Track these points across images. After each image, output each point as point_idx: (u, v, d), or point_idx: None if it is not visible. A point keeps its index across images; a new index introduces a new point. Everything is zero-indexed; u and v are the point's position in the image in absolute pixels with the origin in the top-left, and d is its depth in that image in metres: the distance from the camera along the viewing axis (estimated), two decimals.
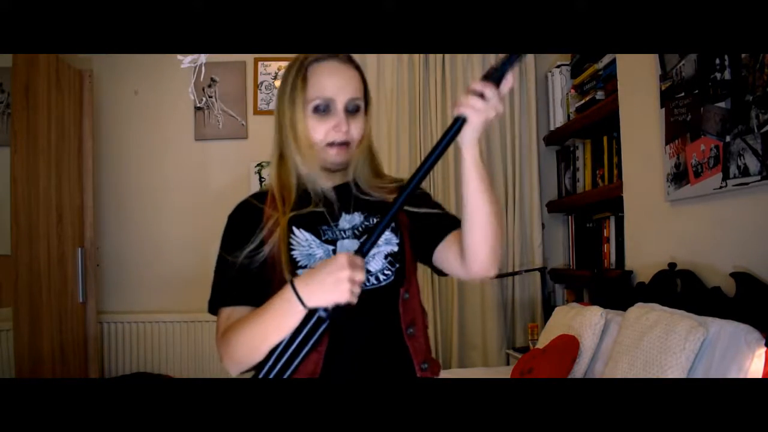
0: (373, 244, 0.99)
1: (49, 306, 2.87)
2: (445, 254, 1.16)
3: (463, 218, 1.06)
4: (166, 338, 3.40)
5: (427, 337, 1.20)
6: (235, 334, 1.06)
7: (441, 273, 1.22)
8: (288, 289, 0.98)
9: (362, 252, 0.98)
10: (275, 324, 1.00)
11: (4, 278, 2.72)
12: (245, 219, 1.17)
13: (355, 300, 0.96)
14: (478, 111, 0.96)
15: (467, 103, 0.96)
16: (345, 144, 1.13)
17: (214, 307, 1.15)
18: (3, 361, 2.86)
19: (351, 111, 1.13)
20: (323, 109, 1.12)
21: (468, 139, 0.99)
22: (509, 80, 0.97)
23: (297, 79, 1.13)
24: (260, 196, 1.20)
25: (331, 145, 1.13)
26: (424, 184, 1.23)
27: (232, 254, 1.13)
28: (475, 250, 1.07)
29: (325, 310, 0.96)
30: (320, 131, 1.12)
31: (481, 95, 0.95)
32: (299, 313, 0.97)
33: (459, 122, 0.97)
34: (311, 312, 0.96)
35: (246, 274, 1.12)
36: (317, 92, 1.11)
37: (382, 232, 0.99)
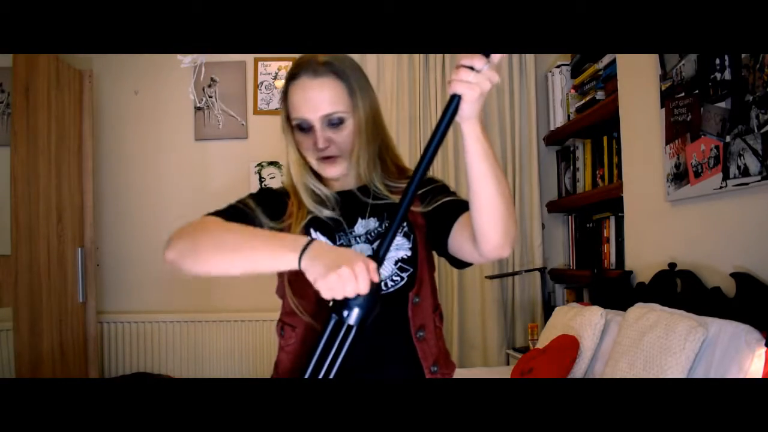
0: (387, 250, 0.94)
1: (49, 306, 2.87)
2: (458, 240, 1.10)
3: (469, 198, 0.99)
4: (166, 338, 3.40)
5: (440, 338, 1.18)
6: (212, 226, 1.01)
7: (458, 264, 1.16)
8: (303, 239, 0.93)
9: (378, 260, 0.93)
10: (262, 248, 0.95)
11: (4, 278, 2.72)
12: (276, 198, 1.19)
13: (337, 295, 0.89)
14: (472, 85, 0.89)
15: (459, 79, 0.89)
16: (333, 157, 1.12)
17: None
18: (3, 361, 2.86)
19: (333, 125, 1.11)
20: (306, 127, 1.12)
21: (467, 115, 0.92)
22: None
23: (282, 98, 1.14)
24: (285, 192, 1.21)
25: (321, 159, 1.13)
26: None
27: (250, 205, 1.14)
28: (485, 229, 1.00)
29: (349, 315, 0.91)
30: (308, 147, 1.13)
31: (471, 68, 0.89)
32: (289, 262, 0.92)
33: (454, 101, 0.90)
34: (339, 321, 0.92)
35: (254, 217, 1.11)
36: (295, 113, 1.11)
37: (393, 237, 0.94)
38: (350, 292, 0.88)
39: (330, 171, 1.14)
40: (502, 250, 1.02)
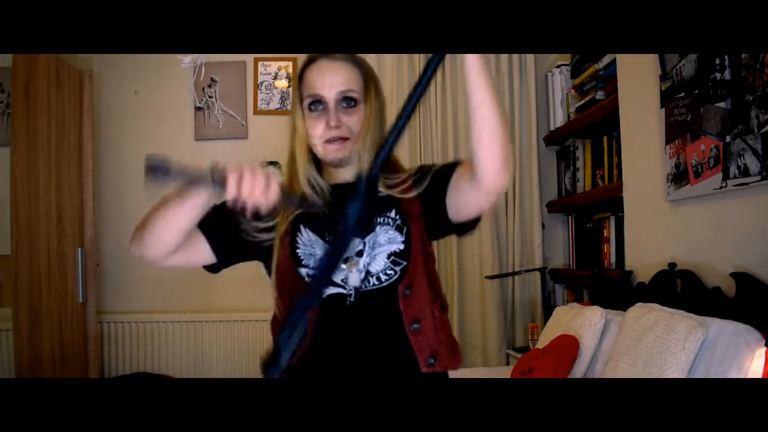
0: (388, 154, 1.00)
1: (49, 306, 2.87)
2: (456, 192, 1.12)
3: (470, 123, 1.00)
4: (166, 338, 3.40)
5: (441, 330, 1.16)
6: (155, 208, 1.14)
7: (461, 228, 1.17)
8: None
9: (375, 166, 0.98)
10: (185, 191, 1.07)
11: (4, 278, 2.72)
12: None
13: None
14: None
15: None
16: (343, 139, 1.14)
17: None
18: (3, 361, 2.86)
19: (345, 105, 1.15)
20: (318, 107, 1.15)
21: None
22: None
23: (297, 80, 1.19)
24: None
25: (329, 141, 1.15)
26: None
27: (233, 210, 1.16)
28: (485, 152, 1.00)
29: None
30: (318, 128, 1.15)
31: None
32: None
33: (436, 59, 0.93)
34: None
35: (229, 226, 1.15)
36: (308, 90, 1.16)
37: (395, 142, 0.98)
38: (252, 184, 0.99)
39: (337, 152, 1.15)
40: (502, 177, 1.02)
